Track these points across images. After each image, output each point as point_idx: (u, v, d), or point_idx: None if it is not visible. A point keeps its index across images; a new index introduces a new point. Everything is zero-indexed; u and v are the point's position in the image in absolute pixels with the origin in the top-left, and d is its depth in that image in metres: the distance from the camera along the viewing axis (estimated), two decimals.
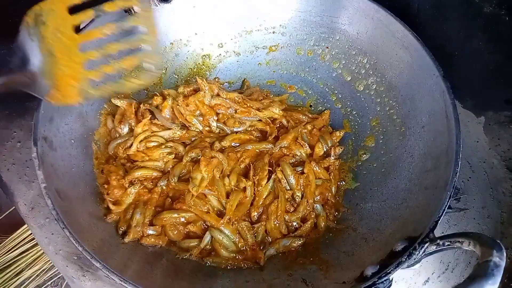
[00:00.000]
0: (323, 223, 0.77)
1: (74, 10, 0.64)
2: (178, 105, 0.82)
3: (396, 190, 0.75)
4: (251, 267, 0.71)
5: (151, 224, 0.73)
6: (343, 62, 0.92)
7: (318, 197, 0.79)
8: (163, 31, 0.89)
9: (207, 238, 0.72)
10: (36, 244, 1.22)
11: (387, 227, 0.70)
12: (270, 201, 0.76)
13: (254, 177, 0.77)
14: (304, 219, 0.77)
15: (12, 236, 1.23)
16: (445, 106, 0.71)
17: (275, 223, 0.75)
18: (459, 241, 0.54)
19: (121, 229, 0.71)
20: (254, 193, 0.76)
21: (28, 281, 1.23)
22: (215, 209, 0.75)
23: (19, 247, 1.21)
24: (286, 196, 0.77)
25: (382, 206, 0.75)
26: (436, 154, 0.70)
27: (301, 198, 0.78)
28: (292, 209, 0.77)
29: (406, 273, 0.78)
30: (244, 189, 0.75)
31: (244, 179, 0.76)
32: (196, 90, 0.85)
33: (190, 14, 0.91)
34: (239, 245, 0.73)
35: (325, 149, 0.85)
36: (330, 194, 0.80)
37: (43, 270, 1.22)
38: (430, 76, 0.75)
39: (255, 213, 0.76)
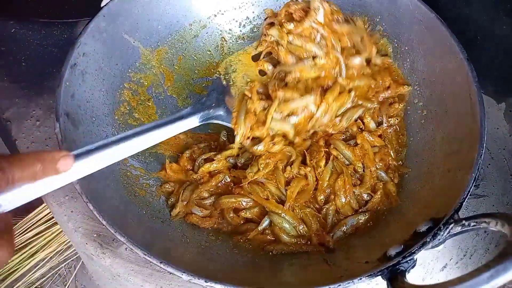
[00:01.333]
0: (392, 189, 0.76)
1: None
2: (289, 42, 0.77)
3: (419, 172, 0.75)
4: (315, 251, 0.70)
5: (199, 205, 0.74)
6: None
7: (380, 164, 0.78)
8: (181, 12, 0.89)
9: (265, 222, 0.72)
10: (50, 226, 1.23)
11: (409, 209, 0.70)
12: (334, 180, 0.75)
13: (311, 162, 0.76)
14: (373, 190, 0.76)
15: (27, 217, 1.24)
16: (468, 89, 0.70)
17: (345, 199, 0.74)
18: (485, 221, 0.54)
19: (171, 199, 0.75)
20: (316, 178, 0.75)
21: (42, 262, 1.24)
22: (275, 195, 0.74)
23: (34, 229, 1.22)
24: (349, 171, 0.76)
25: (405, 191, 0.75)
26: (460, 137, 0.70)
27: (363, 170, 0.77)
28: (358, 183, 0.76)
29: (423, 259, 0.78)
30: (305, 176, 0.74)
31: (303, 166, 0.75)
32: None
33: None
34: (302, 231, 0.72)
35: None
36: (390, 158, 0.79)
37: (58, 252, 1.23)
38: (453, 59, 0.74)
39: (322, 196, 0.75)
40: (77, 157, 0.50)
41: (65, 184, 0.48)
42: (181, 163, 0.80)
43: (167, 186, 0.77)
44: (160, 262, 0.55)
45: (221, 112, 0.75)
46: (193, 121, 0.70)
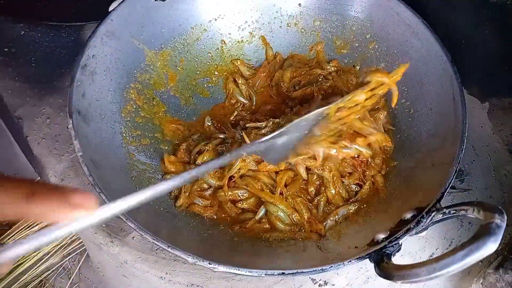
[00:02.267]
0: (380, 180, 0.80)
1: None
2: None
3: (406, 166, 0.80)
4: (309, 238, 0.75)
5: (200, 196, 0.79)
6: (355, 49, 0.97)
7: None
8: (184, 17, 0.94)
9: (262, 211, 0.77)
10: None
11: (396, 199, 0.75)
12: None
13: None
14: (362, 181, 0.81)
15: None
16: (452, 89, 0.76)
17: (335, 190, 0.79)
18: (463, 209, 0.59)
19: (174, 191, 0.79)
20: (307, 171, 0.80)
21: (47, 256, 1.27)
22: (268, 186, 0.79)
23: (39, 223, 1.25)
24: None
25: (392, 182, 0.80)
26: (443, 134, 0.75)
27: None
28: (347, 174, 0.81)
29: (411, 248, 0.83)
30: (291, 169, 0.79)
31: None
32: None
33: (208, 1, 0.95)
34: (295, 219, 0.77)
35: None
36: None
37: (62, 246, 1.27)
38: (438, 61, 0.80)
39: (312, 188, 0.80)
40: None
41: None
42: (178, 155, 0.85)
43: (168, 177, 0.81)
44: (168, 246, 0.60)
45: None
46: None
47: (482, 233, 0.50)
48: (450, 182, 0.66)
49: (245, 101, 0.97)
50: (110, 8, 0.82)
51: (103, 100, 0.79)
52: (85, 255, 1.28)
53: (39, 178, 0.92)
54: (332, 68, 0.95)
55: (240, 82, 0.98)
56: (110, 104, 0.80)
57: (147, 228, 0.62)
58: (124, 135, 0.80)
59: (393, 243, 0.60)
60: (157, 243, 0.60)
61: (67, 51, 1.01)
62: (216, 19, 0.97)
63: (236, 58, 1.01)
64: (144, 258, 0.78)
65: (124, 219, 0.61)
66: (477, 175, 0.93)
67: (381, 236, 0.63)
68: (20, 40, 1.02)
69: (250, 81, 0.99)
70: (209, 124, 0.92)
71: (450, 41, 0.83)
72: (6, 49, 1.00)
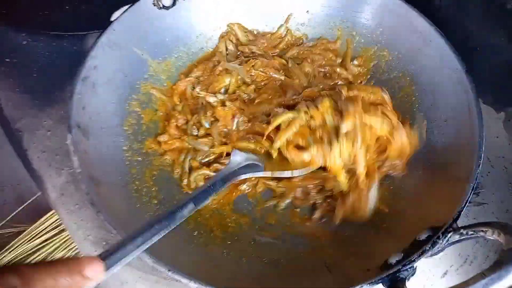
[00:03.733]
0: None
1: None
2: None
3: (417, 183, 0.76)
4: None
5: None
6: (366, 57, 0.94)
7: None
8: (190, 23, 0.92)
9: None
10: (58, 233, 1.25)
11: (409, 218, 0.71)
12: None
13: None
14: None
15: (34, 225, 1.25)
16: (467, 101, 0.73)
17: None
18: (482, 230, 0.56)
19: (176, 171, 0.81)
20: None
21: None
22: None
23: (42, 235, 1.24)
24: None
25: (403, 198, 0.76)
26: (459, 147, 0.72)
27: None
28: None
29: (424, 266, 0.80)
30: None
31: None
32: None
33: (214, 9, 0.93)
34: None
35: None
36: None
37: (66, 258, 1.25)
38: (453, 71, 0.76)
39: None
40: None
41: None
42: (170, 132, 0.83)
43: (166, 158, 0.81)
44: (169, 270, 0.57)
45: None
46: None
47: (505, 260, 0.47)
48: (467, 200, 0.62)
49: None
50: (113, 18, 0.80)
51: (105, 113, 0.76)
52: None
53: (40, 192, 0.90)
54: (356, 69, 0.92)
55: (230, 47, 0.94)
56: (112, 117, 0.78)
57: (148, 249, 0.59)
58: (125, 148, 0.77)
59: (407, 267, 0.57)
60: (157, 266, 0.57)
61: (69, 61, 0.98)
62: (221, 28, 0.95)
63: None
64: (145, 278, 0.75)
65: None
66: (492, 188, 0.89)
67: (395, 258, 0.59)
68: (21, 50, 1.00)
69: (247, 47, 0.94)
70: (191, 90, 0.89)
71: (463, 48, 0.79)
72: (7, 60, 0.98)
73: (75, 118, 0.69)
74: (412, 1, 0.85)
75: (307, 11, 0.95)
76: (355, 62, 0.93)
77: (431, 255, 0.60)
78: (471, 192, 0.63)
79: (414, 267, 0.58)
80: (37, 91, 0.96)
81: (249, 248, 0.73)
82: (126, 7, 0.81)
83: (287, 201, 0.80)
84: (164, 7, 0.86)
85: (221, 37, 0.95)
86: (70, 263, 0.42)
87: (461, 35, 0.91)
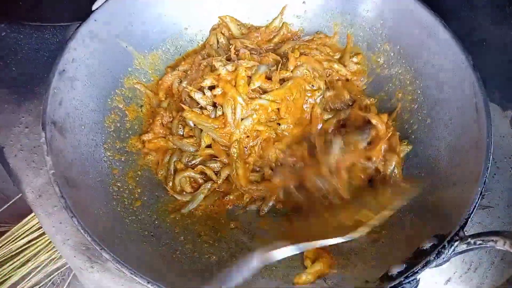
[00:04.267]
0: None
1: None
2: None
3: (420, 186, 0.71)
4: None
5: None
6: (366, 52, 0.88)
7: None
8: (178, 14, 0.86)
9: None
10: (43, 233, 1.20)
11: (411, 224, 0.66)
12: None
13: None
14: None
15: (18, 225, 1.21)
16: (475, 98, 0.68)
17: None
18: (492, 240, 0.51)
19: (161, 172, 0.77)
20: None
21: (36, 271, 1.21)
22: None
23: (26, 236, 1.19)
24: None
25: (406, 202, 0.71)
26: (465, 148, 0.67)
27: None
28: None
29: (426, 272, 0.75)
30: None
31: None
32: None
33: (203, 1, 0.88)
34: None
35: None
36: None
37: (52, 259, 1.20)
38: (458, 66, 0.71)
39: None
40: None
41: None
42: (155, 131, 0.79)
43: (150, 158, 0.78)
44: (148, 282, 0.52)
45: None
46: None
47: None
48: (475, 206, 0.57)
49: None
50: (94, 7, 0.75)
51: (84, 108, 0.71)
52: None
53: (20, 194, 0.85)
54: (355, 66, 0.88)
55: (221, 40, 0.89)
56: (92, 113, 0.72)
57: (127, 259, 0.54)
58: (106, 147, 0.72)
59: (410, 279, 0.52)
60: (136, 278, 0.52)
61: (50, 54, 0.93)
62: (211, 19, 0.90)
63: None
64: (128, 286, 0.70)
65: (98, 248, 0.53)
66: (498, 190, 0.85)
67: (396, 269, 0.54)
68: (0, 42, 0.95)
69: (239, 41, 0.87)
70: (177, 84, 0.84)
71: (469, 42, 0.74)
72: None
73: (50, 115, 0.64)
74: None
75: (304, 1, 0.90)
76: (355, 59, 0.88)
77: (436, 266, 0.55)
78: (479, 197, 0.58)
79: (418, 279, 0.53)
80: (15, 85, 0.91)
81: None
82: None
83: (270, 203, 0.76)
84: None
85: (213, 29, 0.90)
86: None
87: (466, 27, 0.86)
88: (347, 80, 0.87)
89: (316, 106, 0.78)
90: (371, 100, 0.83)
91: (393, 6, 0.82)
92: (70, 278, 1.23)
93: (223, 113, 0.74)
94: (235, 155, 0.74)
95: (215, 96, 0.74)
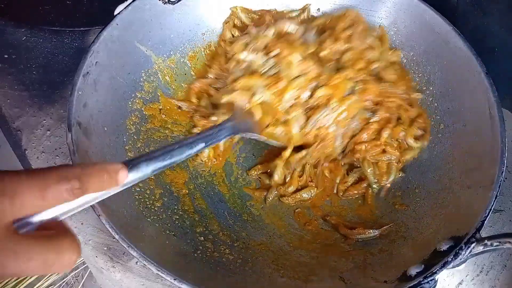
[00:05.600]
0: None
1: None
2: None
3: (436, 189, 0.73)
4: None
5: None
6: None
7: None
8: (195, 21, 0.88)
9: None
10: None
11: (427, 226, 0.68)
12: None
13: None
14: None
15: None
16: (488, 104, 0.69)
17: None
18: (509, 242, 0.53)
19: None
20: None
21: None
22: None
23: None
24: None
25: (421, 205, 0.73)
26: (480, 153, 0.68)
27: None
28: None
29: (439, 275, 0.76)
30: None
31: None
32: None
33: (220, 4, 0.90)
34: None
35: None
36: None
37: None
38: (471, 73, 0.73)
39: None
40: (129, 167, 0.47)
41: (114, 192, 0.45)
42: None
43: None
44: (174, 279, 0.53)
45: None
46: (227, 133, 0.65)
47: None
48: (491, 209, 0.59)
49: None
50: (116, 12, 0.77)
51: (107, 110, 0.72)
52: (88, 271, 1.22)
53: None
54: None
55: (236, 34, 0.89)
56: (114, 115, 0.74)
57: (152, 256, 0.55)
58: (128, 148, 0.74)
59: (428, 279, 0.54)
60: (162, 275, 0.54)
61: (69, 58, 0.95)
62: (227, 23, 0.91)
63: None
64: (149, 285, 0.72)
65: (125, 246, 0.55)
66: (510, 194, 0.86)
67: (415, 270, 0.56)
68: (21, 46, 0.97)
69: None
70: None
71: (482, 48, 0.76)
72: (6, 56, 0.95)
73: (75, 116, 0.65)
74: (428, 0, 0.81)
75: (318, 9, 0.92)
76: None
77: (453, 267, 0.56)
78: (494, 200, 0.60)
79: (436, 279, 0.55)
80: (36, 88, 0.92)
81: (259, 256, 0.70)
82: (130, 1, 0.77)
83: (275, 192, 0.77)
84: (169, 1, 0.82)
85: (225, 23, 0.91)
86: (107, 165, 0.42)
87: (479, 34, 0.87)
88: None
89: None
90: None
91: (407, 14, 0.84)
92: (84, 279, 1.24)
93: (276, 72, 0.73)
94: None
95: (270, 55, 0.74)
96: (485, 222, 0.58)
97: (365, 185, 0.78)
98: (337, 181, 0.79)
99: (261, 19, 0.90)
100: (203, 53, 0.90)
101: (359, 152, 0.76)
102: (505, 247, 0.53)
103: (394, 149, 0.76)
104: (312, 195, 0.78)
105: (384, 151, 0.76)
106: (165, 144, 0.79)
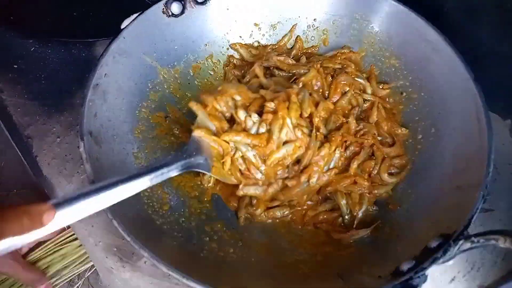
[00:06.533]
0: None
1: None
2: None
3: (427, 190, 0.76)
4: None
5: None
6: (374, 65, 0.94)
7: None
8: (197, 33, 0.92)
9: None
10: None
11: (419, 225, 0.72)
12: None
13: None
14: None
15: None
16: (476, 109, 0.73)
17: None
18: (494, 239, 0.56)
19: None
20: None
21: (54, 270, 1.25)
22: None
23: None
24: None
25: (413, 205, 0.77)
26: (468, 155, 0.72)
27: None
28: None
29: (432, 272, 0.80)
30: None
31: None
32: None
33: (223, 16, 0.94)
34: None
35: None
36: None
37: (73, 260, 1.24)
38: (461, 79, 0.77)
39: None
40: (58, 207, 0.49)
41: (47, 233, 0.46)
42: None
43: None
44: (183, 277, 0.57)
45: (201, 160, 0.71)
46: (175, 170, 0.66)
47: None
48: (478, 208, 0.63)
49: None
50: (123, 26, 0.81)
51: (116, 120, 0.76)
52: (92, 270, 1.25)
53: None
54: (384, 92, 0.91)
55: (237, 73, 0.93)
56: (123, 124, 0.78)
57: (161, 257, 0.59)
58: (136, 155, 0.78)
59: (419, 274, 0.58)
60: (173, 273, 0.57)
61: (77, 68, 0.99)
62: (228, 33, 0.96)
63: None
64: (157, 283, 0.75)
65: (137, 247, 0.59)
66: (499, 194, 0.89)
67: (406, 265, 0.60)
68: (30, 56, 1.01)
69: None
70: None
71: (473, 54, 0.79)
72: (15, 66, 0.99)
73: (87, 126, 0.69)
74: (420, 7, 0.85)
75: (314, 19, 0.96)
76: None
77: (443, 262, 0.60)
78: (481, 200, 0.63)
79: (426, 274, 0.58)
80: (45, 97, 0.96)
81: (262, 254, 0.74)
82: (136, 15, 0.82)
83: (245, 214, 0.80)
84: (173, 15, 0.86)
85: (225, 66, 0.96)
86: (30, 208, 0.44)
87: (470, 42, 0.91)
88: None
89: None
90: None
91: (399, 23, 0.88)
92: (87, 276, 1.27)
93: (267, 131, 0.73)
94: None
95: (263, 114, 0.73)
96: (473, 220, 0.62)
97: (336, 215, 0.80)
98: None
99: (260, 53, 0.95)
100: (206, 63, 0.95)
101: (330, 185, 0.78)
102: (490, 243, 0.57)
103: (364, 181, 0.79)
104: (285, 213, 0.79)
105: (355, 182, 0.79)
106: (171, 150, 0.84)
